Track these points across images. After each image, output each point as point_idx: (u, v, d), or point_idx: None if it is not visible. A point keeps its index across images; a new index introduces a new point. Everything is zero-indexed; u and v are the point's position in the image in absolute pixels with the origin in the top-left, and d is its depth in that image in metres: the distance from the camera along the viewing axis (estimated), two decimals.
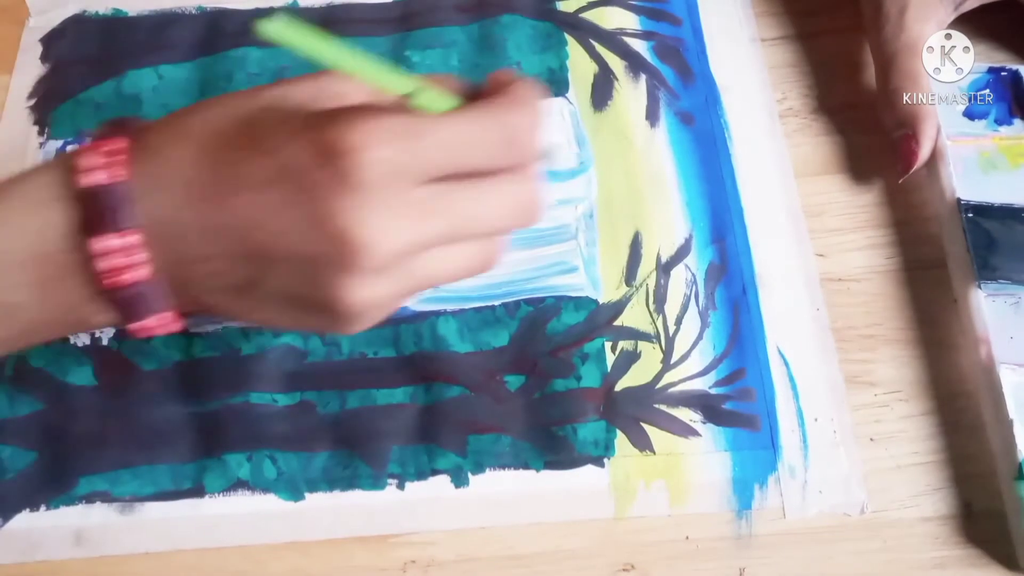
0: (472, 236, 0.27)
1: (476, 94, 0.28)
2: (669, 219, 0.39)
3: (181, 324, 0.29)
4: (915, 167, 0.39)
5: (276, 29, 0.23)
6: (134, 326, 0.28)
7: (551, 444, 0.35)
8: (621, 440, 0.35)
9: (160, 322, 0.28)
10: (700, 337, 0.37)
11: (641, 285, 0.38)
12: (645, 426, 0.35)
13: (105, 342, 0.36)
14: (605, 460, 0.35)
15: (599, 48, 0.44)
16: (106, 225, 0.26)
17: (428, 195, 0.26)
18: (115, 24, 0.44)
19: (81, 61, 0.43)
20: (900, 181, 0.40)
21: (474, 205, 0.27)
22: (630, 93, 0.42)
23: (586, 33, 0.44)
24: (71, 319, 0.28)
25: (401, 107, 0.26)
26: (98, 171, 0.26)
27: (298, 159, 0.25)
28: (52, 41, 0.44)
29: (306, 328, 0.29)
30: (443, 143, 0.25)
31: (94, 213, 0.26)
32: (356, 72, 0.25)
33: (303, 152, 0.25)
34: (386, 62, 0.26)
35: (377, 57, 0.25)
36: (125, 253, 0.26)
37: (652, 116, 0.42)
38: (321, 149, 0.25)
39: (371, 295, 0.26)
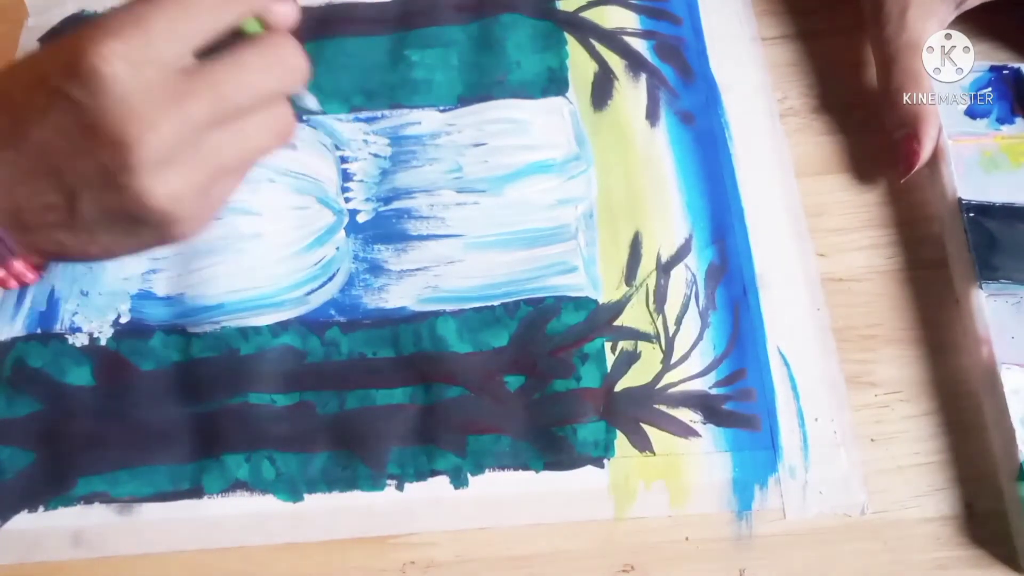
0: (246, 106, 0.28)
1: None
2: (669, 219, 0.39)
3: (36, 275, 0.30)
4: (917, 167, 0.39)
5: None
6: None
7: (551, 445, 0.35)
8: (621, 441, 0.35)
9: (13, 273, 0.30)
10: (700, 337, 0.37)
11: (641, 285, 0.38)
12: (645, 427, 0.35)
13: (103, 342, 0.36)
14: (605, 461, 0.34)
15: (599, 47, 0.44)
16: None
17: (185, 76, 0.27)
18: None
19: None
20: (902, 181, 0.39)
21: (232, 74, 0.27)
22: (630, 93, 0.42)
23: (586, 32, 0.44)
24: None
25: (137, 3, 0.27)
26: None
27: (56, 80, 0.26)
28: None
29: (148, 244, 0.30)
30: (168, 17, 0.26)
31: None
32: None
33: (57, 72, 0.26)
34: None
35: None
36: None
37: (652, 116, 0.42)
38: (66, 64, 0.26)
39: (172, 187, 0.27)
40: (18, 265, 0.30)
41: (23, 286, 0.30)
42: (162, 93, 0.26)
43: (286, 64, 0.29)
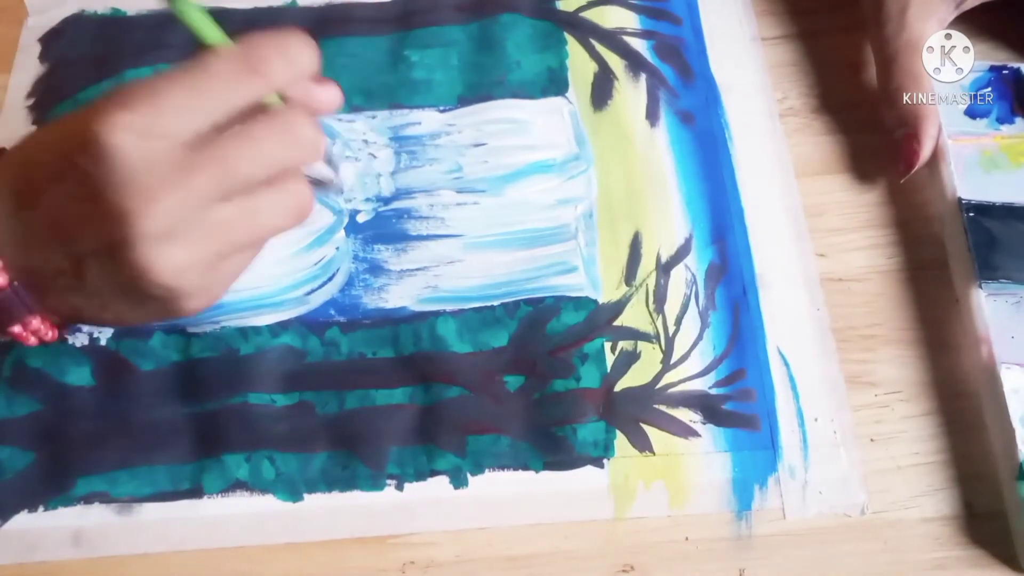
0: (254, 180, 0.28)
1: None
2: (669, 219, 0.39)
3: (55, 333, 0.31)
4: (916, 167, 0.39)
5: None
6: (10, 333, 0.30)
7: (550, 445, 0.35)
8: (621, 441, 0.35)
9: (30, 330, 0.30)
10: (700, 337, 0.37)
11: (641, 285, 0.38)
12: (645, 427, 0.35)
13: (103, 342, 0.36)
14: (605, 461, 0.34)
15: (599, 47, 0.44)
16: None
17: (192, 149, 0.26)
18: (114, 23, 0.44)
19: (80, 60, 0.43)
20: (902, 181, 0.39)
21: (240, 148, 0.27)
22: (630, 93, 0.42)
23: (586, 32, 0.44)
24: None
25: (154, 76, 0.27)
26: None
27: (67, 149, 0.27)
28: (51, 40, 0.44)
29: (155, 314, 0.30)
30: (181, 93, 0.26)
31: None
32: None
33: (69, 141, 0.27)
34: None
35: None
36: None
37: (652, 116, 0.42)
38: (76, 134, 0.26)
39: (176, 260, 0.27)
40: (35, 322, 0.30)
41: (43, 343, 0.31)
42: (168, 166, 0.26)
43: (298, 138, 0.28)
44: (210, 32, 0.28)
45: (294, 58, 0.28)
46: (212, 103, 0.27)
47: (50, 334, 0.31)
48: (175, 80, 0.26)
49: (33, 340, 0.31)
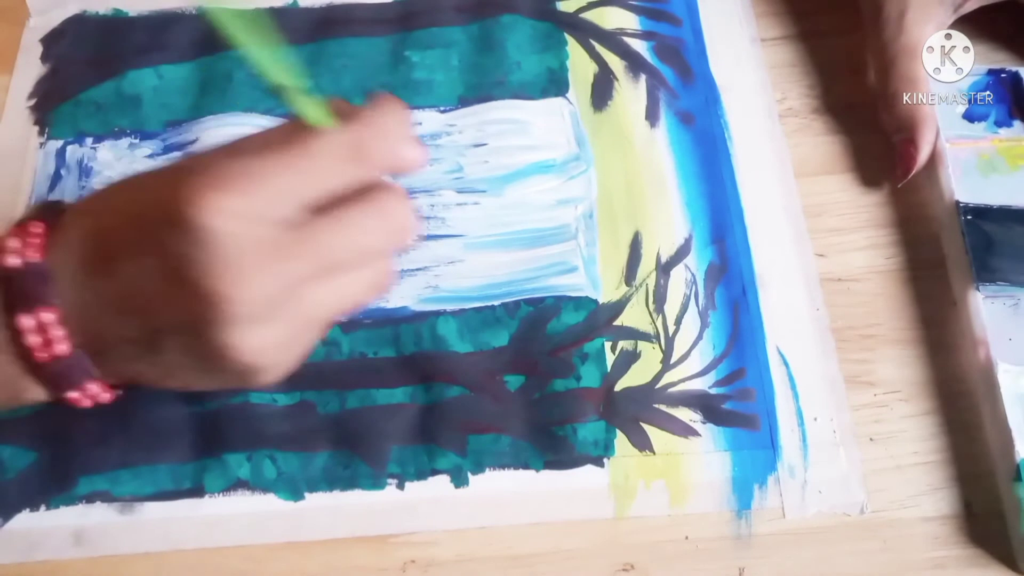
0: (347, 264, 0.27)
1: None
2: (669, 219, 0.39)
3: (112, 395, 0.30)
4: (914, 171, 0.39)
5: (219, 16, 0.24)
6: (66, 397, 0.29)
7: (551, 444, 0.35)
8: (621, 440, 0.35)
9: (88, 394, 0.30)
10: (700, 337, 0.37)
11: (641, 285, 0.38)
12: (645, 426, 0.35)
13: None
14: (605, 460, 0.35)
15: (599, 48, 0.44)
16: (24, 304, 0.27)
17: (287, 232, 0.25)
18: (115, 24, 0.44)
19: (81, 61, 0.43)
20: (899, 185, 0.40)
21: (339, 233, 0.26)
22: (630, 93, 0.42)
23: (586, 33, 0.44)
24: (4, 395, 0.30)
25: (246, 151, 0.26)
26: (15, 254, 0.27)
27: (153, 222, 0.26)
28: (52, 41, 0.44)
29: (225, 384, 0.29)
30: (284, 176, 0.25)
31: (14, 293, 0.27)
32: (265, 72, 0.25)
33: (156, 214, 0.25)
34: (298, 77, 0.26)
35: (293, 69, 0.26)
36: (43, 330, 0.27)
37: (652, 116, 0.42)
38: (167, 209, 0.25)
39: (260, 342, 0.26)
40: (93, 387, 0.29)
41: (97, 405, 0.30)
42: (263, 249, 0.25)
43: (396, 225, 0.27)
44: (314, 112, 0.26)
45: (396, 140, 0.27)
46: (312, 190, 0.26)
47: (106, 396, 0.30)
48: (276, 162, 0.25)
49: (88, 403, 0.30)
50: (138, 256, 0.26)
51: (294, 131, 0.26)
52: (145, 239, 0.26)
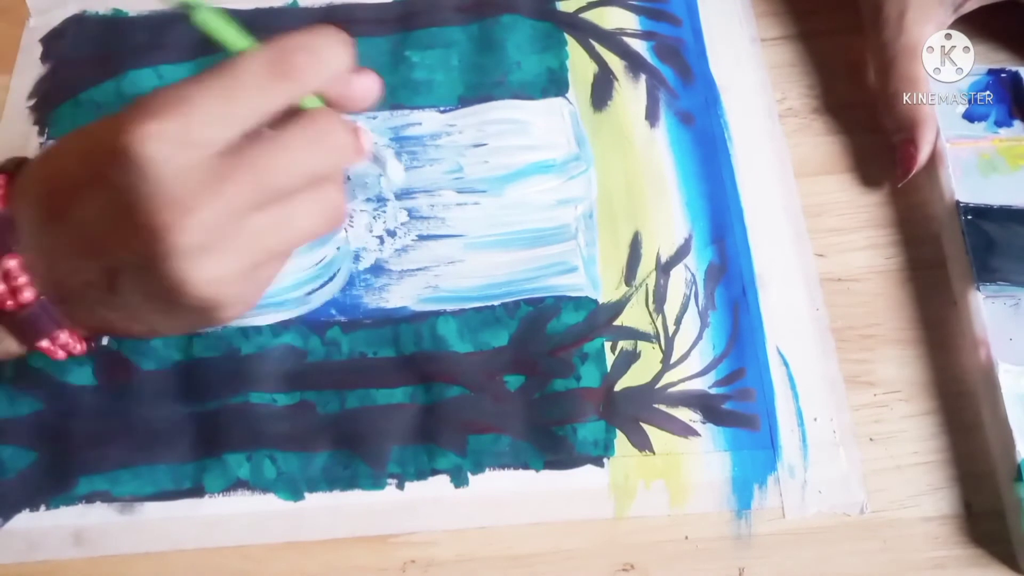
0: (289, 188, 0.27)
1: None
2: (669, 219, 0.39)
3: (83, 346, 0.31)
4: (913, 171, 0.39)
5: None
6: (39, 347, 0.30)
7: (551, 444, 0.35)
8: (621, 440, 0.35)
9: (59, 344, 0.30)
10: (700, 337, 0.37)
11: (641, 285, 0.38)
12: (645, 426, 0.35)
13: (105, 342, 0.36)
14: (605, 460, 0.35)
15: (599, 48, 0.44)
16: None
17: (225, 158, 0.26)
18: (115, 24, 0.44)
19: (81, 61, 0.43)
20: (899, 185, 0.40)
21: (274, 155, 0.26)
22: (630, 93, 0.42)
23: (586, 33, 0.44)
24: None
25: (180, 83, 0.26)
26: None
27: (98, 161, 0.26)
28: (52, 41, 0.44)
29: (189, 325, 0.30)
30: (211, 99, 0.25)
31: None
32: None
33: (99, 153, 0.26)
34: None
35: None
36: (8, 278, 0.28)
37: (652, 116, 0.42)
38: (107, 145, 0.25)
39: (211, 272, 0.26)
40: (63, 336, 0.30)
41: (71, 356, 0.31)
42: (201, 177, 0.25)
43: (333, 143, 0.28)
44: (233, 37, 0.27)
45: (326, 57, 0.27)
46: (244, 110, 0.26)
47: (78, 347, 0.31)
48: (205, 87, 0.25)
49: (62, 354, 0.30)
50: (88, 194, 0.27)
51: (225, 62, 0.27)
52: (93, 176, 0.26)
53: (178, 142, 0.25)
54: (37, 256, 0.28)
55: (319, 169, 0.28)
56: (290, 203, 0.27)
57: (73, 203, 0.27)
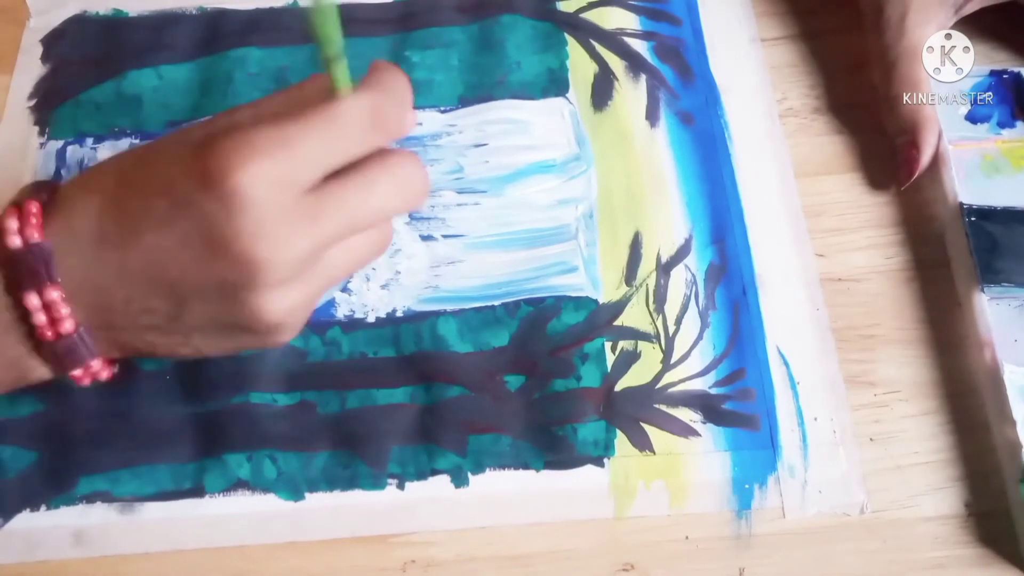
0: (367, 226, 0.28)
1: None
2: (669, 219, 0.39)
3: (110, 372, 0.31)
4: (916, 173, 0.39)
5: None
6: (70, 375, 0.30)
7: (551, 444, 0.35)
8: (621, 440, 0.35)
9: (89, 372, 0.30)
10: (700, 337, 0.37)
11: (641, 285, 0.38)
12: (645, 426, 0.35)
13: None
14: (605, 460, 0.35)
15: (599, 48, 0.44)
16: (28, 284, 0.28)
17: (317, 198, 0.27)
18: (115, 24, 0.44)
19: (81, 61, 0.43)
20: (902, 188, 0.40)
21: (363, 197, 0.27)
22: (630, 93, 0.42)
23: (586, 33, 0.44)
24: (10, 376, 0.30)
25: (273, 117, 0.27)
26: (15, 235, 0.28)
27: (186, 191, 0.26)
28: (52, 41, 0.44)
29: (243, 347, 0.30)
30: (315, 143, 0.26)
31: (16, 274, 0.28)
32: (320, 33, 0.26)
33: (188, 183, 0.26)
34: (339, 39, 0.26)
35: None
36: (49, 309, 0.28)
37: (652, 116, 0.42)
38: (202, 177, 0.26)
39: (287, 304, 0.28)
40: (95, 364, 0.30)
41: (95, 382, 0.31)
42: (296, 214, 0.26)
43: (414, 188, 0.29)
44: (343, 77, 0.27)
45: (409, 108, 0.28)
46: (341, 156, 0.27)
47: (105, 373, 0.31)
48: (307, 130, 0.26)
49: (87, 381, 0.31)
50: (169, 225, 0.27)
51: (313, 96, 0.27)
52: (177, 207, 0.26)
53: (277, 183, 0.26)
54: (82, 285, 0.28)
55: (401, 211, 0.29)
56: (359, 237, 0.29)
57: (148, 233, 0.27)
